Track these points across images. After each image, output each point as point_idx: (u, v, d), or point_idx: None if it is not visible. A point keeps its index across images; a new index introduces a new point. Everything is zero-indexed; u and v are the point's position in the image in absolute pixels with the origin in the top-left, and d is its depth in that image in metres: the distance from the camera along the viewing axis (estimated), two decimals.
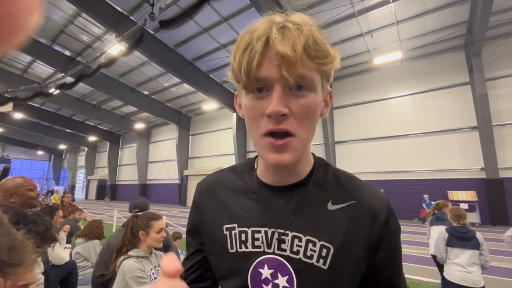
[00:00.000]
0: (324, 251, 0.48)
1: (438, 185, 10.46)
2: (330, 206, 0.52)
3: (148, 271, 1.61)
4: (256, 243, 0.52)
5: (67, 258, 2.56)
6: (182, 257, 3.34)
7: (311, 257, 0.48)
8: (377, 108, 12.26)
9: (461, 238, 2.72)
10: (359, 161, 12.30)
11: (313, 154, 0.59)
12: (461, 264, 2.63)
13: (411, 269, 4.61)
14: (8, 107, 13.64)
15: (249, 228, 0.53)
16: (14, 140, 27.97)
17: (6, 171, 4.19)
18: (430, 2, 8.66)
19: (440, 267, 3.51)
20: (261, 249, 0.51)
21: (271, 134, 0.45)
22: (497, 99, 9.81)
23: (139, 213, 1.85)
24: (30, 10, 0.11)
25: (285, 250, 0.50)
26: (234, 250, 0.53)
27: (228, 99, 14.46)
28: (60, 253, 2.44)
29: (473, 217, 9.32)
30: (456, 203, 9.81)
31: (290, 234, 0.50)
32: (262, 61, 0.43)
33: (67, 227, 2.91)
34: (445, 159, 10.56)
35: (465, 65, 10.46)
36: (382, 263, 0.51)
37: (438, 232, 3.55)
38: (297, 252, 0.49)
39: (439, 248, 2.85)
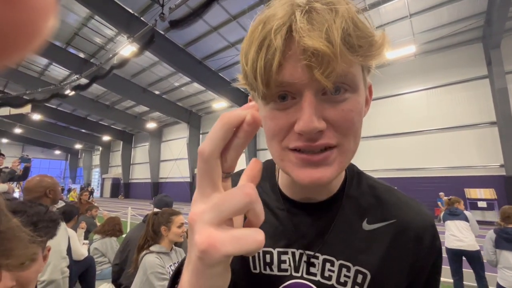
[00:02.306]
0: (360, 277, 0.42)
1: (455, 182, 10.14)
2: (366, 226, 0.45)
3: (168, 268, 1.66)
4: (283, 266, 0.45)
5: (86, 254, 2.66)
6: None
7: (345, 283, 0.42)
8: (389, 104, 11.98)
9: (509, 239, 2.52)
10: (371, 159, 12.06)
11: None
12: None
13: None
14: (27, 108, 14.18)
15: (274, 249, 0.46)
16: (33, 140, 29.08)
17: (26, 170, 4.37)
18: None
19: (454, 264, 3.42)
20: (288, 273, 0.45)
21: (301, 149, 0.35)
22: None
23: (158, 210, 1.92)
24: (46, 15, 0.11)
25: (315, 275, 0.44)
26: (257, 271, 0.46)
27: (237, 98, 14.48)
28: (79, 248, 2.53)
29: (492, 216, 8.99)
30: (474, 201, 9.50)
31: (321, 257, 0.44)
32: (285, 62, 0.32)
33: (83, 224, 3.02)
34: (462, 156, 10.21)
35: (483, 58, 10.05)
36: (423, 282, 0.45)
37: (454, 226, 3.48)
38: (329, 278, 0.43)
39: (487, 250, 2.68)
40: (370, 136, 12.23)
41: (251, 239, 0.22)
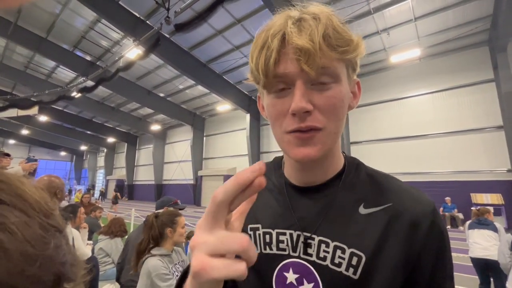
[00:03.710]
0: (355, 259, 0.44)
1: (461, 187, 9.98)
2: (362, 210, 0.47)
3: (171, 268, 1.65)
4: (281, 245, 0.49)
5: (90, 254, 2.67)
6: None
7: (339, 264, 0.44)
8: (394, 108, 11.90)
9: None
10: (375, 162, 11.92)
11: (344, 153, 0.55)
12: None
13: None
14: (34, 110, 14.39)
15: (273, 230, 0.51)
16: (39, 142, 29.45)
17: (33, 171, 4.42)
18: None
19: (481, 274, 3.21)
20: (286, 252, 0.49)
21: (296, 131, 0.43)
22: None
23: (158, 213, 1.91)
24: None
25: (311, 255, 0.47)
26: (258, 251, 0.50)
27: (241, 100, 14.53)
28: (83, 248, 2.54)
29: (498, 221, 8.79)
30: (480, 206, 9.33)
31: (317, 238, 0.47)
32: (280, 58, 0.41)
33: (84, 225, 3.04)
34: (468, 160, 10.07)
35: (489, 62, 9.94)
36: (427, 274, 0.44)
37: (479, 235, 3.28)
38: (324, 258, 0.46)
39: (503, 253, 2.61)
40: (374, 139, 12.16)
41: (235, 268, 0.26)
